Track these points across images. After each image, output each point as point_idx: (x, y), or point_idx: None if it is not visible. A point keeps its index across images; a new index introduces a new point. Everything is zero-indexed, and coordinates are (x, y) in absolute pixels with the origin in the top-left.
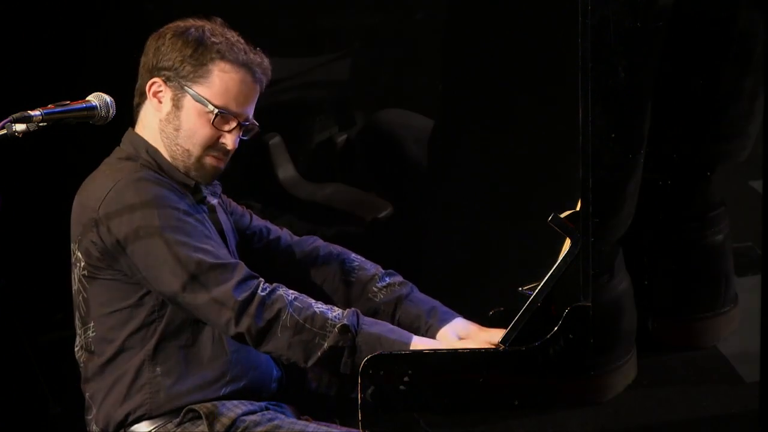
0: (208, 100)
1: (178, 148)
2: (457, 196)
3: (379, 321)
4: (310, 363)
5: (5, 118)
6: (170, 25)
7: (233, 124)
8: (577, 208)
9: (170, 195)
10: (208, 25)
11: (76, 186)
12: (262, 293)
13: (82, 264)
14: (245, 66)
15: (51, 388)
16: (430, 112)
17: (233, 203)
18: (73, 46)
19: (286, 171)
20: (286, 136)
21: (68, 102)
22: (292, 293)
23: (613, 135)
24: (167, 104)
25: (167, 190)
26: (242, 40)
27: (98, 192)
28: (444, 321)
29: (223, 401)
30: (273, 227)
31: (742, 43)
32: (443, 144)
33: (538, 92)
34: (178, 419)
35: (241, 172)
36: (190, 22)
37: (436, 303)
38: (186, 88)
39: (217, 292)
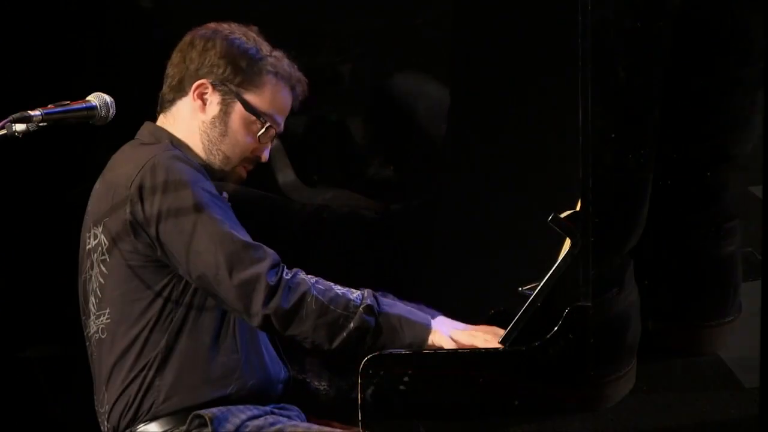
0: (260, 112)
1: (219, 153)
2: (456, 195)
3: (396, 302)
4: (335, 345)
5: (5, 118)
6: (216, 28)
7: (271, 137)
8: (578, 208)
9: (201, 176)
10: (252, 33)
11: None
12: (287, 276)
13: (105, 247)
14: (291, 82)
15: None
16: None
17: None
18: (72, 46)
19: (285, 175)
20: (285, 140)
21: (68, 102)
22: (311, 277)
23: (613, 135)
24: (214, 108)
25: (198, 172)
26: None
27: (129, 171)
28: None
29: (229, 407)
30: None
31: (741, 36)
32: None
33: (538, 92)
34: (185, 426)
35: None
36: (234, 26)
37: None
38: (238, 95)
39: (252, 271)
